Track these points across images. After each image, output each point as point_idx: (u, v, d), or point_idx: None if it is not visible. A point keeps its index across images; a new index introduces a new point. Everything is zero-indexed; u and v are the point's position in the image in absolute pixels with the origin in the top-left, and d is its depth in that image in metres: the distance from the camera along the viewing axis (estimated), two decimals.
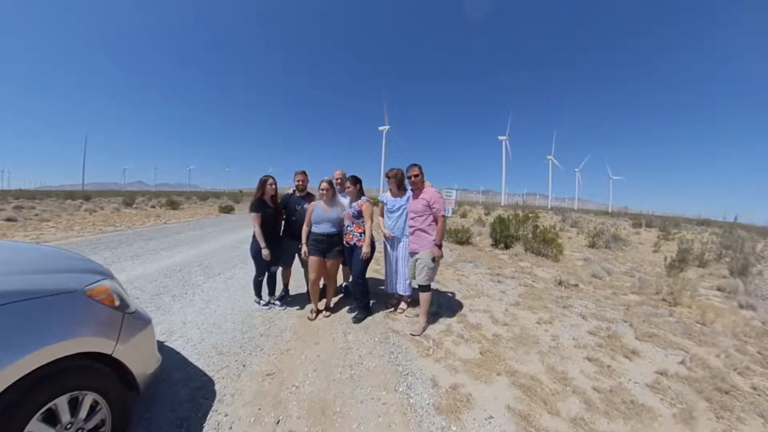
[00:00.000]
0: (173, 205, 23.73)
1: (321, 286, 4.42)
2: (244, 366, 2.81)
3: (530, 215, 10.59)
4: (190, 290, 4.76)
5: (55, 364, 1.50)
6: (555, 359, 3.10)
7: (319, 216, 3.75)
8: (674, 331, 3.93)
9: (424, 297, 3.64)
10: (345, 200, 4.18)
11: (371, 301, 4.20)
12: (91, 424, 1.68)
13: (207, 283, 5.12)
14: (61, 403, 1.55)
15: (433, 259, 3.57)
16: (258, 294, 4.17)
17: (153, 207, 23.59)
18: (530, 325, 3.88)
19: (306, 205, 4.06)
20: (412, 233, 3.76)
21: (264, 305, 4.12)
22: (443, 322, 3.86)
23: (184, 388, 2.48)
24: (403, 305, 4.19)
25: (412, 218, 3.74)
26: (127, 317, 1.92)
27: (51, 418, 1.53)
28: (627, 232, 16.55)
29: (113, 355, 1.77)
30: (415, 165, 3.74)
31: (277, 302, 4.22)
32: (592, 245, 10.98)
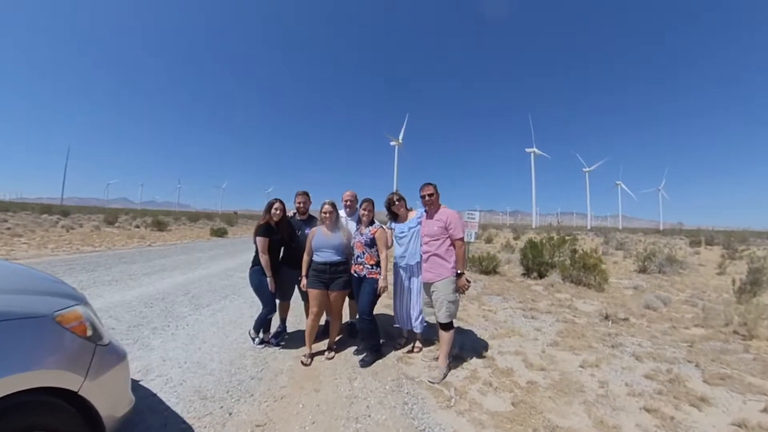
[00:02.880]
0: (160, 225, 24.34)
1: (323, 322, 4.36)
2: (230, 414, 2.73)
3: (567, 238, 10.53)
4: (173, 322, 4.76)
5: (11, 398, 1.45)
6: (604, 411, 2.92)
7: (320, 242, 3.74)
8: (752, 370, 3.70)
9: (444, 337, 3.52)
10: (351, 224, 4.20)
11: (381, 341, 4.10)
12: None
13: (193, 315, 5.12)
14: None
15: (455, 290, 3.48)
16: (258, 331, 4.12)
17: (137, 227, 24.23)
18: (572, 369, 3.70)
19: (307, 231, 4.05)
20: (426, 260, 3.70)
21: (258, 344, 4.07)
22: (467, 367, 3.71)
23: None
24: (418, 345, 4.09)
25: (426, 242, 3.69)
26: (99, 350, 1.88)
27: None
28: (684, 253, 16.09)
29: (79, 393, 1.71)
30: (429, 184, 3.75)
31: (273, 340, 4.15)
32: (643, 270, 10.69)
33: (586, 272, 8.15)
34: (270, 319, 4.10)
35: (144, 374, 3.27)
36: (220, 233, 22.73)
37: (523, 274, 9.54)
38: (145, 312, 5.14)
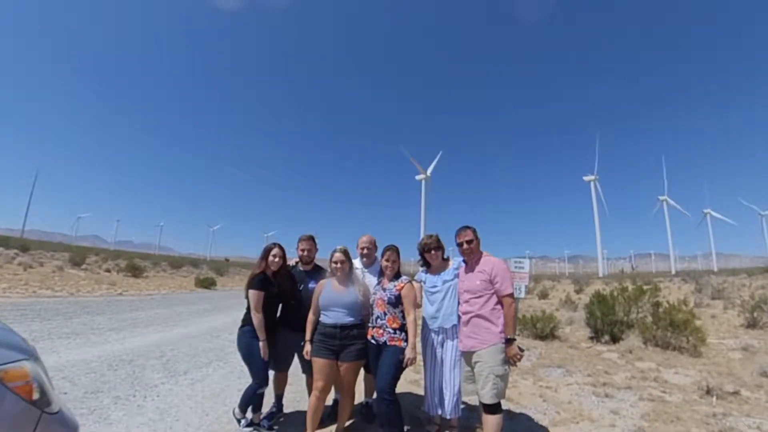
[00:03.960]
0: (135, 271, 25.08)
1: (331, 402, 4.22)
2: None
3: (646, 287, 10.16)
4: (140, 391, 4.74)
5: None
6: None
7: (329, 300, 3.69)
8: None
9: (490, 422, 3.34)
10: (370, 278, 4.14)
11: (406, 429, 3.90)
12: None
13: (166, 384, 5.10)
14: None
15: (505, 362, 3.34)
16: (244, 410, 3.99)
17: (108, 271, 24.99)
18: None
19: (312, 285, 4.01)
20: (465, 322, 3.60)
21: (246, 426, 3.93)
22: None
23: None
24: None
25: (466, 300, 3.62)
26: (45, 418, 1.85)
27: None
28: None
29: None
30: (467, 228, 3.73)
31: (265, 422, 4.01)
32: (753, 324, 10.39)
33: (674, 332, 7.85)
34: (261, 395, 3.96)
35: None
36: (207, 284, 23.15)
37: (591, 338, 9.27)
38: (107, 376, 5.17)
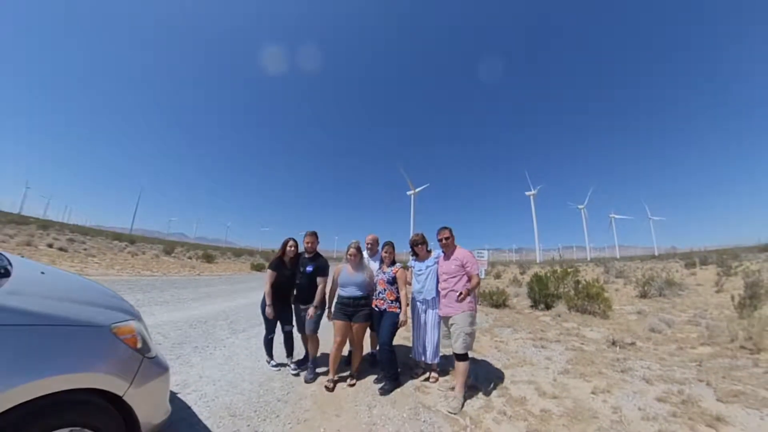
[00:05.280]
0: (208, 258, 24.86)
1: (347, 353, 4.16)
2: None
3: (569, 270, 9.99)
4: (212, 343, 4.69)
5: (68, 394, 1.49)
6: None
7: (345, 279, 3.73)
8: (764, 384, 3.30)
9: (460, 367, 3.29)
10: (374, 264, 4.15)
11: (399, 371, 3.86)
12: None
13: (230, 339, 5.04)
14: None
15: (472, 324, 3.35)
16: (268, 353, 4.00)
17: (190, 258, 24.75)
18: (584, 396, 3.33)
19: (309, 268, 3.90)
20: (444, 296, 3.57)
21: (274, 366, 3.92)
22: (481, 396, 3.39)
23: None
24: (434, 375, 3.86)
25: (445, 279, 3.60)
26: (145, 361, 1.88)
27: None
28: (681, 275, 15.17)
29: (123, 398, 1.71)
30: (445, 228, 3.72)
31: (292, 365, 3.95)
32: (644, 295, 10.15)
33: (590, 301, 7.70)
34: (271, 340, 3.98)
35: (182, 388, 3.18)
36: (258, 268, 22.93)
37: (531, 306, 9.08)
38: (189, 332, 5.12)
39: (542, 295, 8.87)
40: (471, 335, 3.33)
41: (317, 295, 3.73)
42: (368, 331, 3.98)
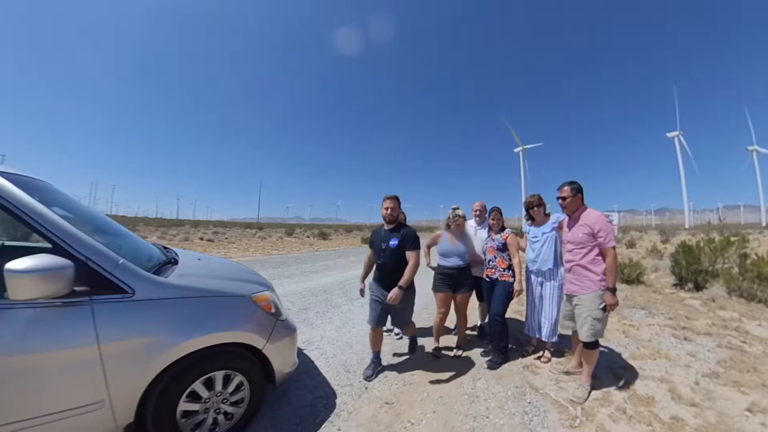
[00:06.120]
0: (323, 235, 28.33)
1: (452, 326, 4.16)
2: (366, 389, 2.86)
3: (734, 239, 7.66)
4: (331, 310, 5.32)
5: (222, 346, 1.99)
6: None
7: (446, 249, 3.51)
8: None
9: (587, 356, 2.87)
10: (482, 232, 3.96)
11: (510, 346, 3.68)
12: (234, 398, 2.12)
13: (346, 306, 5.61)
14: (218, 376, 2.02)
15: (604, 309, 2.75)
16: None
17: (308, 237, 28.78)
18: (735, 412, 2.54)
19: (394, 241, 3.03)
20: (568, 270, 3.03)
21: (385, 331, 4.14)
22: (599, 387, 2.96)
23: (310, 394, 2.73)
24: (547, 356, 3.52)
25: (570, 251, 3.01)
26: (278, 323, 2.34)
27: (209, 384, 2.00)
28: None
29: (263, 350, 2.18)
30: (567, 184, 2.97)
31: (396, 330, 4.20)
32: None
33: (762, 284, 5.70)
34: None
35: (306, 345, 3.75)
36: (367, 241, 24.77)
37: (675, 285, 7.24)
38: (311, 300, 5.92)
39: (691, 272, 6.94)
40: (601, 321, 2.78)
41: (406, 273, 2.89)
42: (476, 301, 3.88)
